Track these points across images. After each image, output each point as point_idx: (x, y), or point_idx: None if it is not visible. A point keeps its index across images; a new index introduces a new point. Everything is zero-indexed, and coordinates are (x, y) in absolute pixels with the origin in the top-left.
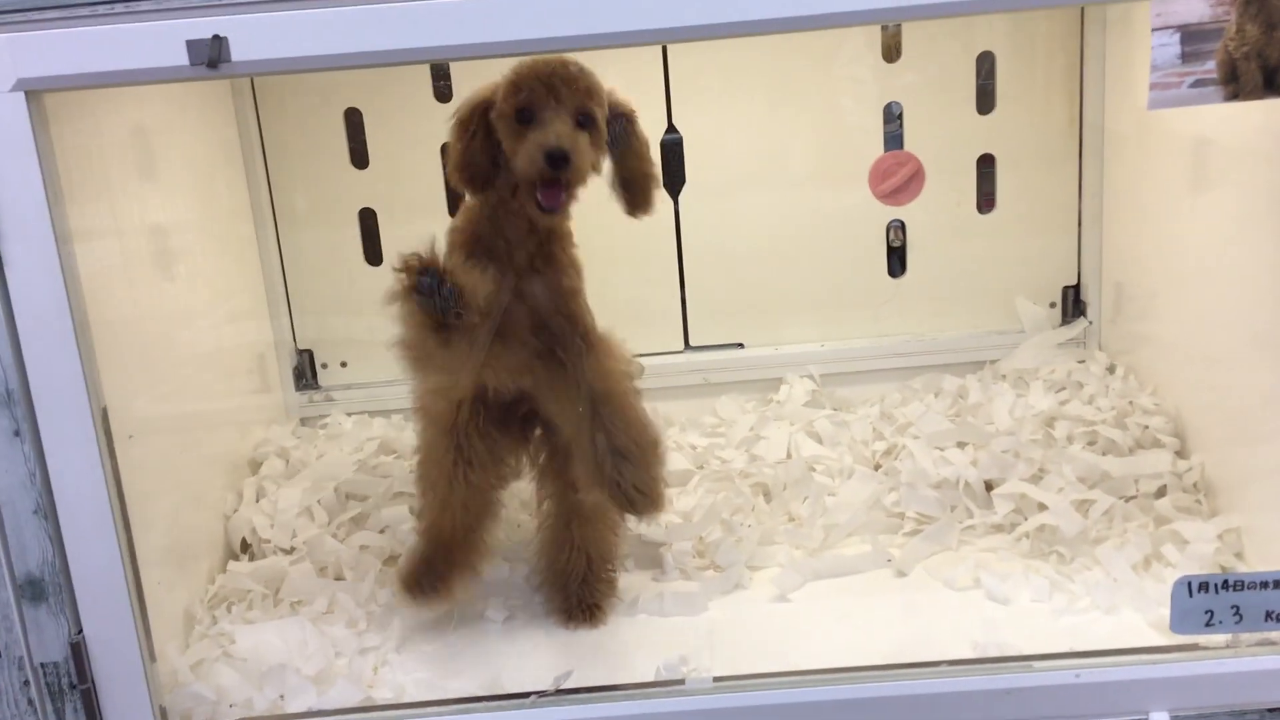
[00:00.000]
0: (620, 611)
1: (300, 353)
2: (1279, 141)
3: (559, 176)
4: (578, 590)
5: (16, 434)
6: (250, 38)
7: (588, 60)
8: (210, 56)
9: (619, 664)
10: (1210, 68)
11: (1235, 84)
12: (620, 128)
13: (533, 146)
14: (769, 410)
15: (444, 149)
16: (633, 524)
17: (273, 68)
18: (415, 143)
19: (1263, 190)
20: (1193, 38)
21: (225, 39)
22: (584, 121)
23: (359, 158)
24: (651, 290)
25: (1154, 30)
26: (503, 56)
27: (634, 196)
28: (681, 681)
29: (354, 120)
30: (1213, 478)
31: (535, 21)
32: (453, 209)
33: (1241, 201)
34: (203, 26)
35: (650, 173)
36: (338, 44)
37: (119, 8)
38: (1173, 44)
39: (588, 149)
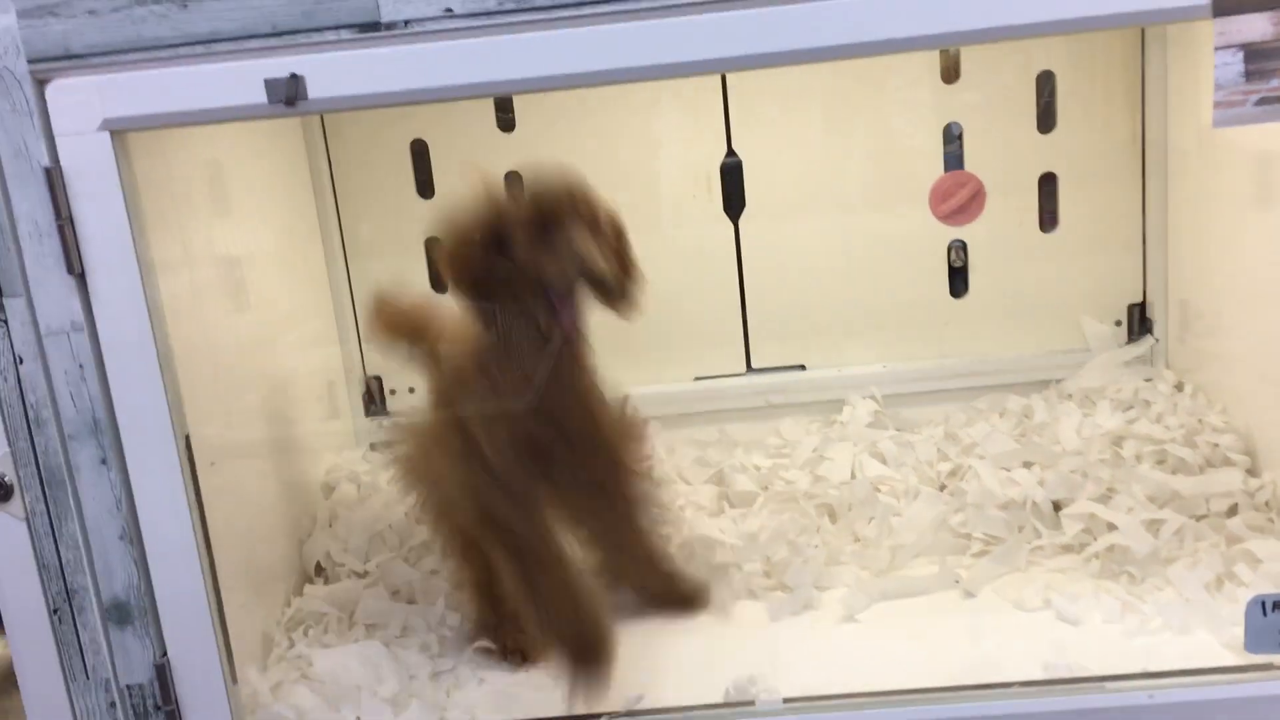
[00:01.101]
0: (688, 633)
1: (369, 379)
2: None
3: (577, 297)
4: (667, 584)
5: (103, 462)
6: (326, 76)
7: (649, 90)
8: (288, 95)
9: (689, 685)
10: (1275, 85)
11: None
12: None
13: (564, 263)
14: (832, 431)
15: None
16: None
17: (347, 105)
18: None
19: None
20: (1256, 56)
21: (302, 78)
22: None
23: (425, 188)
24: (713, 313)
25: (1216, 49)
26: (566, 89)
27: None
28: (752, 703)
29: (420, 151)
30: None
31: (597, 55)
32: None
33: None
34: (280, 66)
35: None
36: (407, 81)
37: (199, 49)
38: (1236, 62)
39: (609, 268)
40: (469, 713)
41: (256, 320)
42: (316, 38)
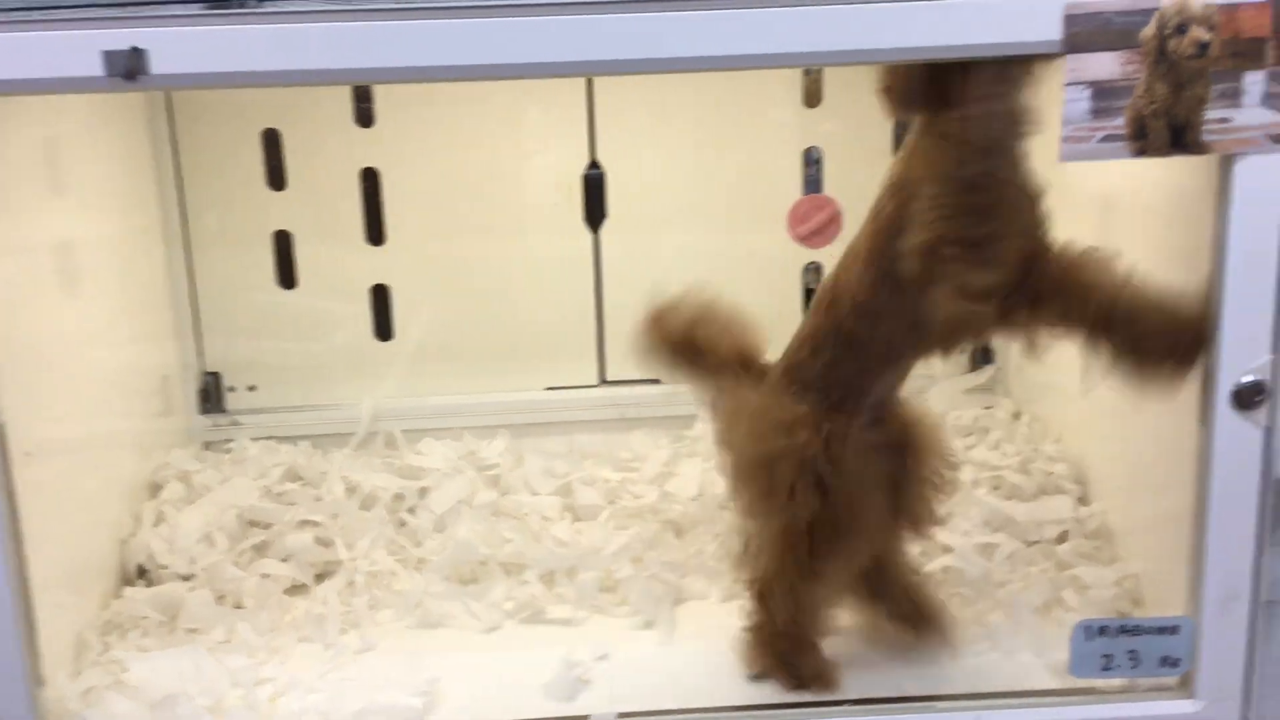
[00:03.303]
0: (524, 645)
1: (207, 375)
2: (1178, 199)
3: None
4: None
5: None
6: (170, 51)
7: (515, 94)
8: (128, 68)
9: (522, 697)
10: (1120, 124)
11: (1143, 140)
12: None
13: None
14: (683, 446)
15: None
16: None
17: (192, 83)
18: (334, 165)
19: (1160, 246)
20: (1104, 94)
21: (145, 51)
22: None
23: (276, 179)
24: (568, 323)
25: (1067, 85)
26: (425, 82)
27: None
28: (586, 717)
29: (272, 140)
30: (1113, 524)
31: (460, 49)
32: (372, 236)
33: (1140, 256)
34: (121, 38)
35: None
36: (257, 61)
37: (35, 14)
38: (1084, 99)
39: None
40: None
41: (89, 309)
42: (162, 10)
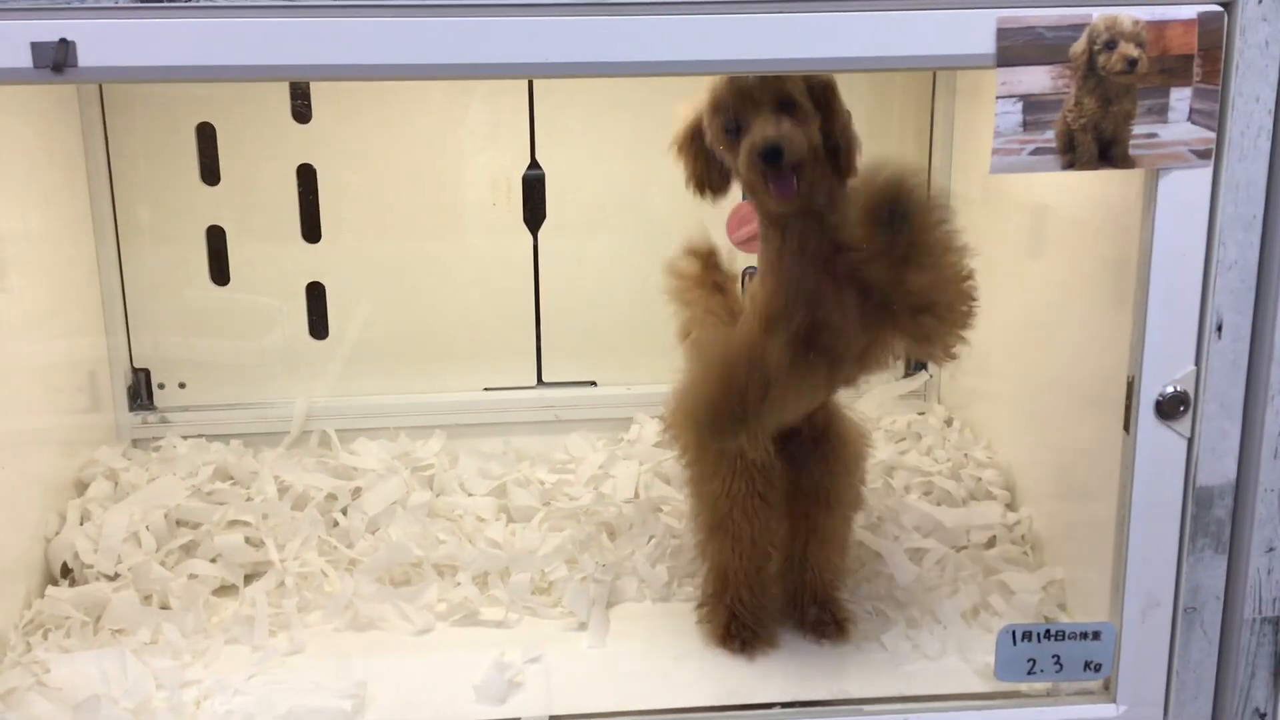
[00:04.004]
0: (455, 645)
1: (136, 371)
2: (1107, 212)
3: (780, 168)
4: (824, 607)
5: None
6: (100, 44)
7: (454, 93)
8: (56, 60)
9: (453, 698)
10: (1049, 137)
11: (1072, 154)
12: (821, 96)
13: (745, 154)
14: (619, 449)
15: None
16: None
17: (121, 76)
18: (270, 161)
19: (1089, 258)
20: (1034, 107)
21: (73, 43)
22: (785, 106)
23: (209, 174)
24: (506, 324)
25: (998, 98)
26: (361, 80)
27: (839, 162)
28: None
29: (206, 135)
30: (1040, 530)
31: (397, 47)
32: (308, 233)
33: (1070, 268)
34: (50, 29)
35: (850, 139)
36: (191, 56)
37: None
38: (1015, 112)
39: (794, 130)
40: None
41: (13, 302)
42: (92, 2)
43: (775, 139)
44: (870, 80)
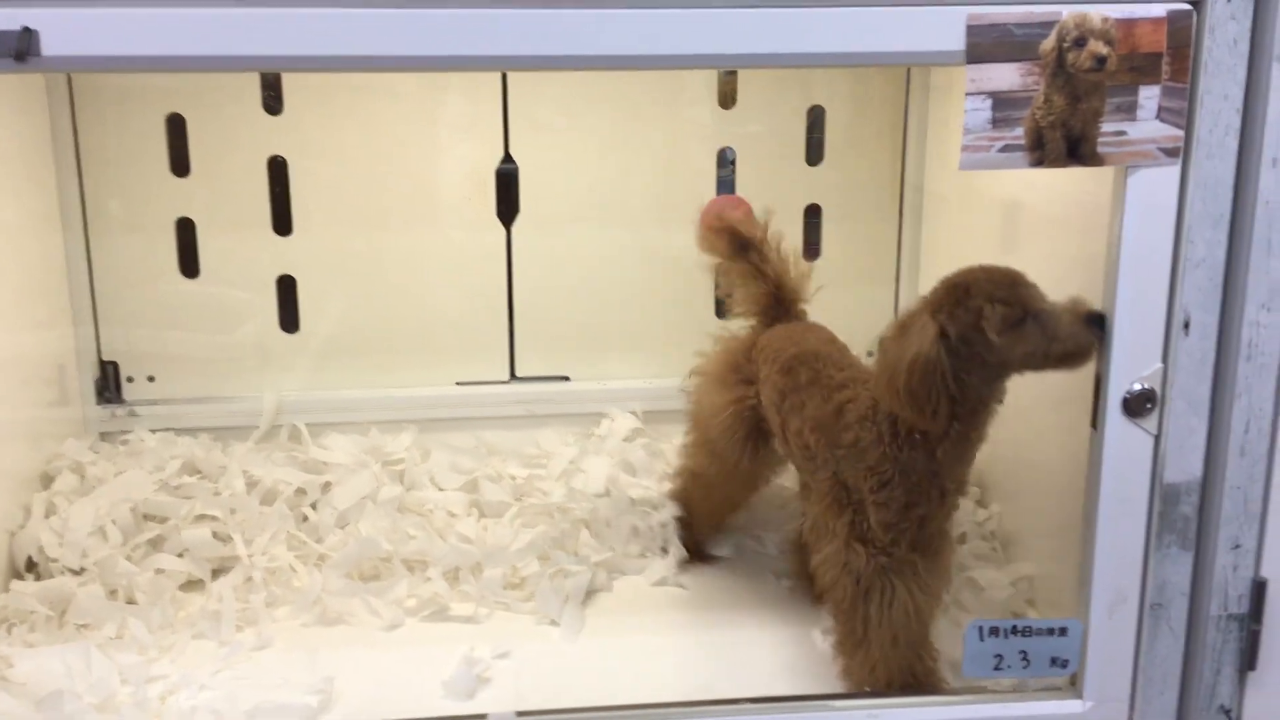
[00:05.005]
0: (425, 641)
1: (104, 364)
2: (1080, 210)
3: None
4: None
5: None
6: (63, 32)
7: (424, 81)
8: (18, 49)
9: (422, 693)
10: (1018, 134)
11: (1041, 151)
12: None
13: (1069, 325)
14: (590, 444)
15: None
16: None
17: (84, 65)
18: (240, 153)
19: (1062, 256)
20: (1003, 104)
21: (36, 32)
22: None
23: (180, 166)
24: (479, 318)
25: (968, 95)
26: (332, 71)
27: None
28: (484, 716)
29: (177, 126)
30: (1009, 528)
31: (369, 38)
32: (279, 226)
33: (1043, 265)
34: (12, 17)
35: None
36: (157, 46)
37: None
38: (985, 109)
39: None
40: None
41: None
42: None
43: (1095, 308)
44: (849, 77)
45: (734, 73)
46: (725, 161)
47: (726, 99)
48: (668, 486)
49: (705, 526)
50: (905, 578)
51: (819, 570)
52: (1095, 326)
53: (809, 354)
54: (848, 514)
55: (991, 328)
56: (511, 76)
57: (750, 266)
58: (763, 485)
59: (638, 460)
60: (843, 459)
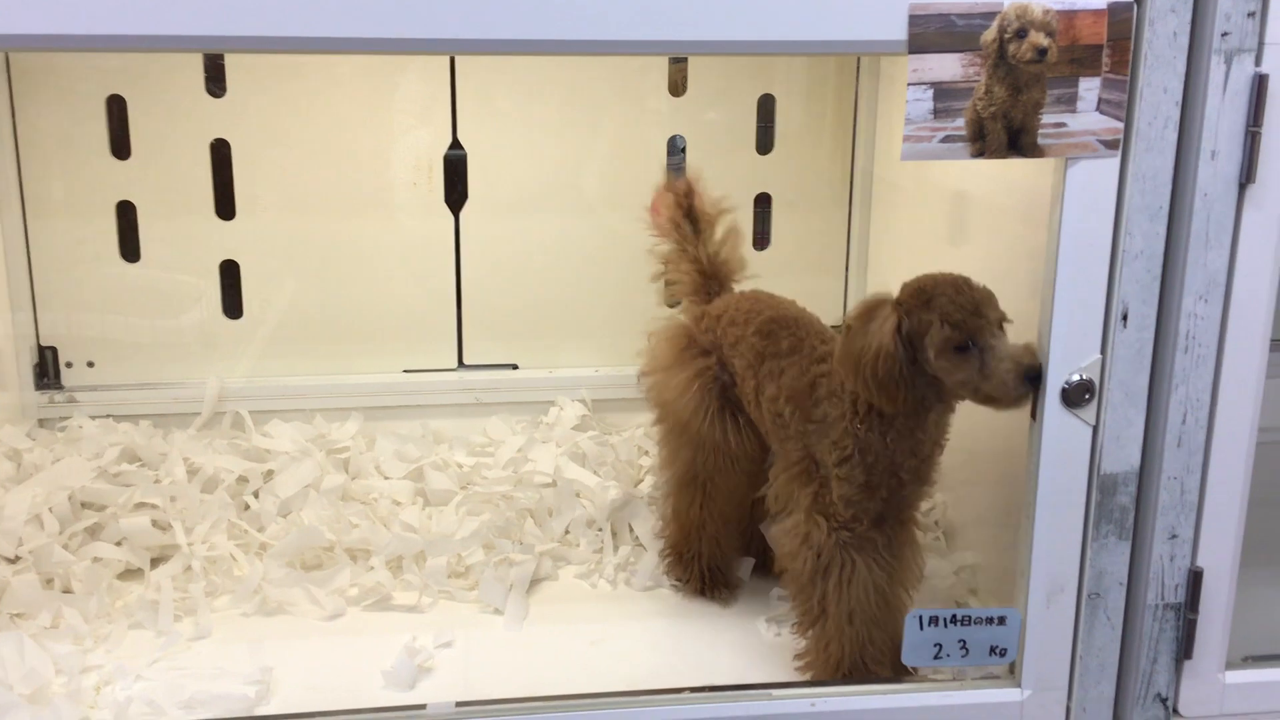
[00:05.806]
0: (370, 630)
1: (42, 349)
2: (1027, 201)
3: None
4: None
5: None
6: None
7: (371, 64)
8: None
9: (363, 684)
10: (960, 125)
11: (982, 142)
12: None
13: (1003, 373)
14: (538, 432)
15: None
16: None
17: (22, 43)
18: (182, 136)
19: (1008, 247)
20: (945, 95)
21: None
22: (1002, 324)
23: (120, 148)
24: (427, 305)
25: (910, 85)
26: (276, 52)
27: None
28: (423, 706)
29: (116, 108)
30: (952, 517)
31: (315, 19)
32: (222, 210)
33: (990, 256)
34: None
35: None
36: (98, 24)
37: None
38: (926, 99)
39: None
40: (117, 712)
41: None
42: None
43: (1038, 363)
44: (800, 66)
45: (684, 60)
46: (675, 149)
47: (677, 86)
48: (658, 525)
49: (719, 542)
50: (866, 554)
51: (779, 539)
52: (1029, 382)
53: (789, 319)
54: (813, 486)
55: (932, 344)
56: (460, 61)
57: (687, 237)
58: (757, 471)
59: (587, 448)
60: (813, 433)
